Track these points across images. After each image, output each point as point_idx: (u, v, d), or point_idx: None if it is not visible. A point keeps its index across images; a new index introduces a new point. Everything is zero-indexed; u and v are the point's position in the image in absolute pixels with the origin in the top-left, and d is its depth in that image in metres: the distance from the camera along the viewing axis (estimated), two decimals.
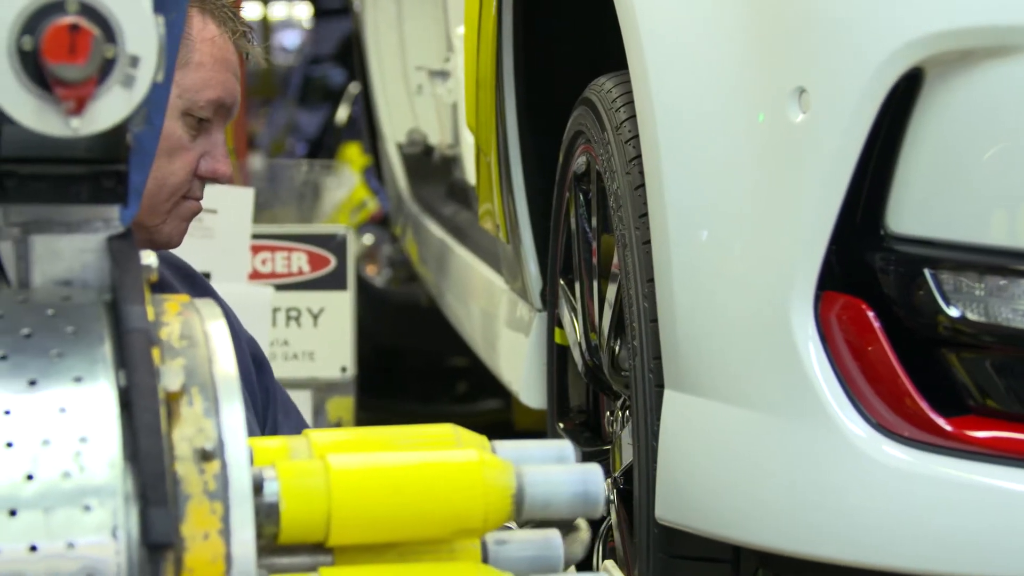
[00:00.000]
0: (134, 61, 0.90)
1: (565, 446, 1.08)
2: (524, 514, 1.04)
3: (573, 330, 1.91)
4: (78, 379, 0.93)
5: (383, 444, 1.07)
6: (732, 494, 1.44)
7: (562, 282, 1.95)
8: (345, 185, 4.61)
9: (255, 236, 2.63)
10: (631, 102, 1.56)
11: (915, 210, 1.34)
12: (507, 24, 1.96)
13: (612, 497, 1.75)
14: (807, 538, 1.39)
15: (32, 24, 0.88)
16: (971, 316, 1.33)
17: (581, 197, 1.84)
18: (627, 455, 1.74)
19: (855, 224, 1.36)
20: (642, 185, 1.53)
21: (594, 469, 1.03)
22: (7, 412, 0.92)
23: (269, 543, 1.00)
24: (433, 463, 1.03)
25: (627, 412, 1.75)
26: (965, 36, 1.30)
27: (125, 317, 0.93)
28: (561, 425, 2.00)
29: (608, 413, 1.87)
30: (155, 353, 0.95)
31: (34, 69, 0.89)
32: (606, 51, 1.60)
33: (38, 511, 0.90)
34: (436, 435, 1.08)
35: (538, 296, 2.04)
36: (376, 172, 4.18)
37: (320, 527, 1.00)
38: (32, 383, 0.93)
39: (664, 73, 1.47)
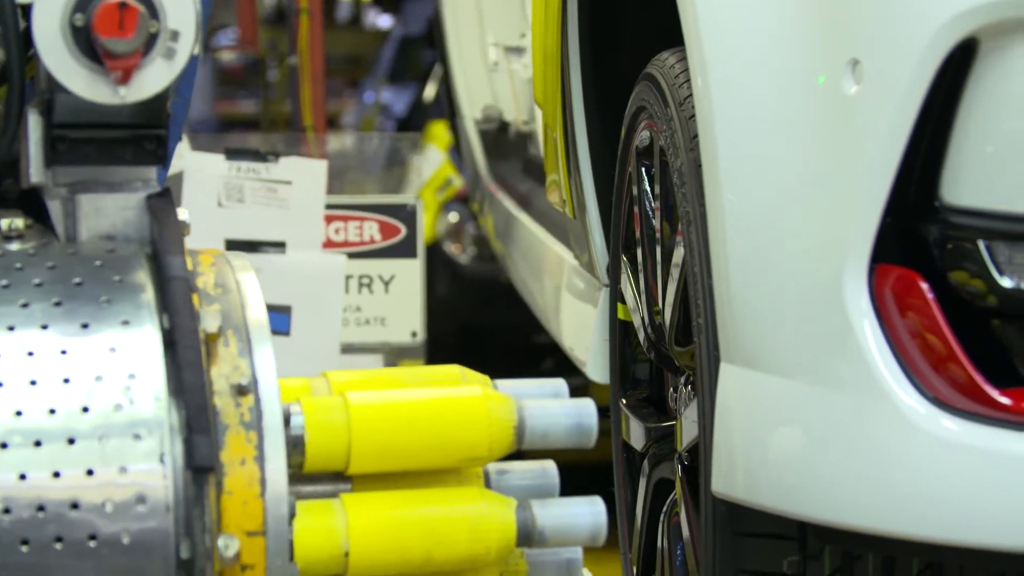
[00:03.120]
0: (175, 35, 1.00)
1: (559, 383, 1.22)
2: (525, 444, 1.19)
3: (636, 305, 1.94)
4: (126, 322, 1.04)
5: (395, 382, 1.20)
6: (787, 468, 1.46)
7: (624, 257, 1.97)
8: (431, 163, 4.67)
9: (328, 206, 2.72)
10: None
11: (969, 181, 1.36)
12: None
13: (678, 473, 1.78)
14: (864, 512, 1.41)
15: (84, 3, 0.98)
16: None
17: (643, 172, 1.86)
18: (690, 431, 1.76)
19: (909, 196, 1.38)
20: None
21: (587, 403, 1.19)
22: (63, 352, 1.02)
23: (296, 472, 1.13)
24: (443, 399, 1.17)
25: (691, 388, 1.78)
26: (1018, 5, 1.30)
27: (167, 267, 1.03)
28: (624, 401, 2.03)
29: (672, 389, 1.89)
30: (194, 299, 1.05)
31: (86, 43, 0.99)
32: (673, 25, 1.62)
33: (93, 440, 1.01)
34: (443, 374, 1.22)
35: (604, 270, 2.07)
36: (457, 149, 4.23)
37: (341, 457, 1.13)
38: (85, 326, 1.03)
39: (718, 46, 1.49)
